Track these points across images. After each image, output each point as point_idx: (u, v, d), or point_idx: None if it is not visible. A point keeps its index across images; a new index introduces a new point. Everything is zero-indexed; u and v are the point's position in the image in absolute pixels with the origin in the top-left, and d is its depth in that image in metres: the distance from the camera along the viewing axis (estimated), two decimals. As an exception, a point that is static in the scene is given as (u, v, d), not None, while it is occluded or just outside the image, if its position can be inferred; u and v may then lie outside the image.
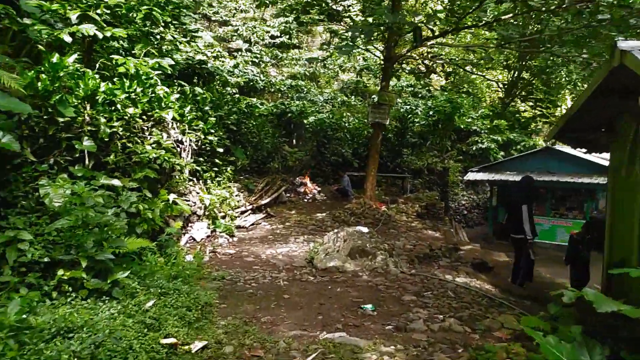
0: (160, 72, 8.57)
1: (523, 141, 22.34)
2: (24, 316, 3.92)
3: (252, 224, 11.41)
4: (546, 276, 10.59)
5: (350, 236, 8.59)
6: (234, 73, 19.44)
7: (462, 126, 20.84)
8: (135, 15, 8.77)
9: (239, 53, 23.54)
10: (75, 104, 6.65)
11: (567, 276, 10.52)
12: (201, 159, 10.61)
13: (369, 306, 6.04)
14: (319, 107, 19.93)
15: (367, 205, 13.23)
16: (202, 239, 9.27)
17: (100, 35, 7.46)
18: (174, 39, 11.51)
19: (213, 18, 26.36)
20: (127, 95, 7.44)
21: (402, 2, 13.90)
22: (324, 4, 13.86)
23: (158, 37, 11.13)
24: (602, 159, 15.06)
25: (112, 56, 8.20)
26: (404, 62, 21.02)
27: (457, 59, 20.83)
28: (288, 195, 14.41)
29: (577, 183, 15.19)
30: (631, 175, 4.61)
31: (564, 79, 23.18)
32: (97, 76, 7.20)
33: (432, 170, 19.28)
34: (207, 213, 9.98)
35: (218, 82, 15.42)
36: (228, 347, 4.51)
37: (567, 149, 18.19)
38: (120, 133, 7.08)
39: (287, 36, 25.47)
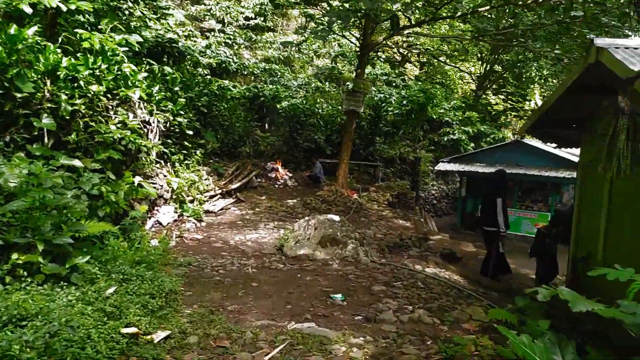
0: (127, 49, 8.17)
1: (493, 134, 22.66)
2: (-28, 303, 3.67)
3: (221, 209, 11.18)
4: (511, 267, 10.79)
5: (321, 224, 8.49)
6: (206, 54, 18.93)
7: (434, 117, 20.95)
8: (101, -13, 8.34)
9: (212, 33, 22.88)
10: (35, 79, 6.27)
11: (531, 267, 10.77)
12: (169, 141, 10.27)
13: (338, 296, 5.97)
14: (292, 92, 19.64)
15: (338, 193, 13.17)
16: (168, 223, 9.00)
17: (64, 8, 7.05)
18: (143, 15, 11.02)
19: (185, -5, 25.53)
20: (91, 71, 7.06)
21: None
22: (301, -14, 13.59)
23: (126, 12, 10.67)
24: (570, 154, 15.43)
25: (77, 30, 7.76)
26: (380, 50, 20.94)
27: (432, 49, 20.85)
28: (259, 180, 14.19)
29: (544, 176, 15.51)
30: (609, 171, 4.64)
31: (534, 74, 23.56)
32: (59, 50, 6.79)
33: (404, 160, 19.34)
34: (174, 197, 9.69)
35: (189, 62, 14.94)
36: (192, 337, 4.35)
37: (535, 142, 18.59)
38: (83, 111, 6.72)
39: (262, 18, 24.91)
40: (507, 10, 15.21)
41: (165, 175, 9.69)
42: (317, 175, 14.93)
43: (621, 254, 5.95)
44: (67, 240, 5.05)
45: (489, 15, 14.46)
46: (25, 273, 4.60)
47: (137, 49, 8.75)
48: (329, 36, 21.72)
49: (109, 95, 7.30)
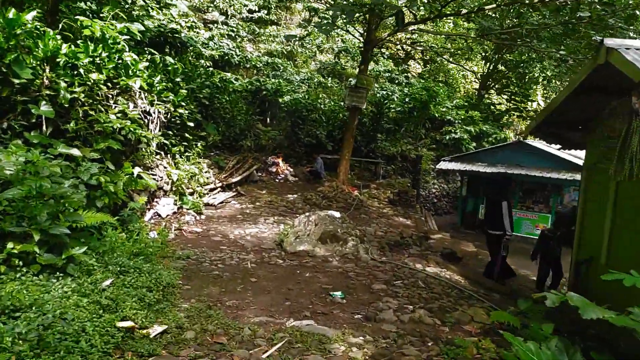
0: (128, 37, 8.05)
1: (495, 133, 22.52)
2: (-36, 292, 3.58)
3: (221, 202, 11.08)
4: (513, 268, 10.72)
5: (321, 220, 8.40)
6: (209, 46, 18.77)
7: (436, 115, 20.82)
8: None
9: (215, 25, 22.73)
10: (33, 65, 6.15)
11: (531, 268, 10.68)
12: (170, 132, 10.15)
13: (338, 293, 5.89)
14: (294, 86, 19.49)
15: (339, 189, 13.07)
16: (167, 215, 8.90)
17: (65, -7, 6.93)
18: (145, 4, 10.88)
19: (189, -14, 25.33)
20: (92, 59, 6.94)
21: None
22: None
23: (129, 0, 10.55)
24: (572, 155, 15.33)
25: (78, 17, 7.63)
26: (384, 46, 20.79)
27: (436, 46, 20.69)
28: (259, 174, 14.08)
29: (545, 178, 15.41)
30: (620, 175, 4.54)
31: (538, 74, 23.41)
32: (58, 37, 6.67)
33: (405, 157, 19.22)
34: (174, 189, 9.59)
35: (191, 53, 14.81)
36: (189, 333, 4.26)
37: (537, 143, 18.48)
38: (82, 99, 6.61)
39: (266, 11, 24.75)
40: (512, 10, 15.10)
41: (165, 167, 9.59)
42: (318, 170, 14.83)
43: (626, 257, 5.87)
44: (63, 230, 4.96)
45: (493, 15, 14.34)
46: (21, 263, 4.50)
47: (138, 38, 8.62)
48: (333, 31, 21.58)
49: (109, 84, 7.18)
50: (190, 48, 14.58)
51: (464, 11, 12.40)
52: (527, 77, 23.71)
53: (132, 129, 7.10)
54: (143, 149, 8.37)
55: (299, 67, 24.00)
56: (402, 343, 4.48)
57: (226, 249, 7.68)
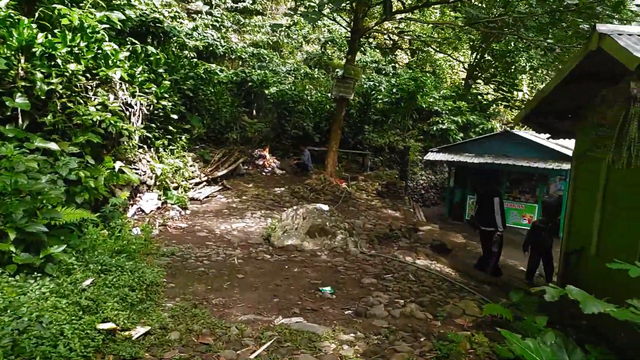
0: (108, 26, 7.76)
1: (482, 124, 22.54)
2: None
3: (207, 197, 10.87)
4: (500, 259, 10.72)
5: (309, 214, 8.26)
6: (193, 36, 18.41)
7: (424, 106, 20.74)
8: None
9: (199, 15, 22.30)
10: (7, 55, 5.87)
11: (519, 259, 10.69)
12: (153, 125, 9.88)
13: (327, 289, 5.77)
14: (281, 77, 19.23)
15: (327, 182, 12.94)
16: (151, 210, 8.68)
17: (40, -20, 6.63)
18: (126, -8, 10.54)
19: (172, -25, 24.79)
20: (70, 49, 6.67)
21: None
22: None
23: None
24: (559, 145, 15.37)
25: (54, 6, 7.32)
26: (371, 36, 20.60)
27: (424, 36, 20.56)
28: (246, 167, 13.88)
29: (533, 168, 15.44)
30: (618, 162, 4.45)
31: (524, 64, 23.44)
32: (34, 26, 6.38)
33: (393, 149, 19.11)
34: (158, 183, 9.36)
35: (175, 44, 14.48)
36: (174, 334, 4.10)
37: (524, 133, 18.51)
38: (60, 91, 6.35)
39: (251, 1, 24.36)
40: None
41: (148, 161, 9.35)
42: (306, 163, 14.66)
43: (616, 247, 5.83)
44: (41, 228, 4.76)
45: (479, 5, 14.25)
46: (-5, 263, 4.30)
47: (119, 27, 8.32)
48: (320, 21, 21.34)
49: (88, 75, 6.92)
50: (174, 38, 14.25)
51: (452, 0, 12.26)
52: (513, 66, 23.74)
53: (112, 121, 6.86)
54: (125, 143, 8.12)
55: (285, 58, 23.70)
56: (394, 339, 4.38)
57: (212, 244, 7.50)
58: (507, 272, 9.03)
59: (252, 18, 24.59)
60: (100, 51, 7.23)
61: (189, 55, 15.02)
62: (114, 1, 10.08)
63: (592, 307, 2.72)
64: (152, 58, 9.98)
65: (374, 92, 18.91)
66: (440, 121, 20.97)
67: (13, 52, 5.94)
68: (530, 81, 27.52)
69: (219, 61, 19.49)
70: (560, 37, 13.91)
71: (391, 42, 22.12)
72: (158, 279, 5.37)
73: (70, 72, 6.50)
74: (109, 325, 3.96)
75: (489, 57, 24.10)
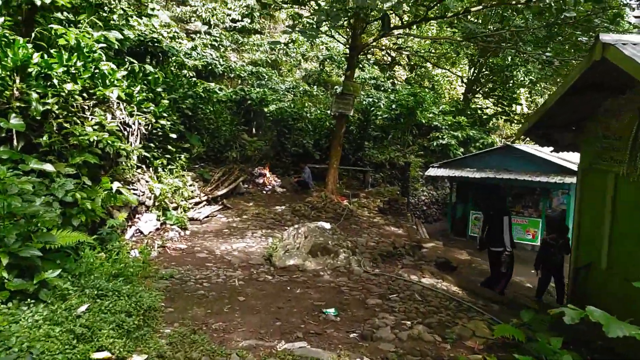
0: (105, 45, 7.71)
1: (482, 138, 22.50)
2: None
3: (207, 216, 10.71)
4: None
5: (311, 232, 8.09)
6: (192, 56, 18.47)
7: (423, 121, 20.73)
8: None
9: (198, 35, 22.44)
10: (2, 75, 5.78)
11: (526, 275, 10.49)
12: (152, 144, 9.77)
13: (331, 310, 5.57)
14: (280, 95, 19.23)
15: (328, 199, 12.79)
16: (150, 232, 8.51)
17: (38, 2, 6.59)
18: (124, 12, 10.54)
19: (171, -3, 25.02)
20: (66, 69, 6.59)
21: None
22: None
23: (107, 9, 10.21)
24: (560, 158, 15.25)
25: (51, 26, 7.28)
26: (369, 52, 20.67)
27: (422, 51, 20.65)
28: (246, 186, 13.74)
29: (535, 182, 15.30)
30: (633, 174, 4.31)
31: (522, 78, 23.51)
32: (29, 45, 6.31)
33: (393, 165, 19.02)
34: (157, 204, 9.20)
35: (174, 63, 14.48)
36: (172, 362, 3.91)
37: (525, 147, 18.42)
38: (56, 111, 6.25)
39: (249, 20, 24.52)
40: (495, 14, 15.09)
41: (147, 181, 9.21)
42: (306, 180, 14.53)
43: (628, 262, 5.68)
44: (34, 252, 4.60)
45: (474, 20, 14.29)
46: (-13, 290, 4.13)
47: (117, 47, 8.28)
48: (318, 38, 21.44)
49: (85, 95, 6.83)
50: (173, 58, 14.26)
51: (450, 14, 12.27)
52: (511, 80, 23.80)
53: (110, 141, 6.75)
54: (123, 163, 8.00)
55: (284, 75, 23.78)
56: (402, 364, 4.19)
57: (212, 265, 7.31)
58: (513, 289, 8.82)
59: (250, 37, 24.74)
60: (97, 71, 7.16)
61: (187, 75, 15.00)
62: (112, 22, 10.08)
63: (616, 330, 2.56)
64: (150, 77, 9.92)
65: (373, 108, 18.89)
66: (440, 136, 20.93)
67: (8, 73, 5.85)
68: (529, 95, 27.57)
69: (218, 80, 19.52)
70: (558, 50, 13.92)
71: (389, 58, 22.20)
72: (156, 303, 5.18)
73: (66, 92, 6.42)
74: (104, 355, 3.78)
75: (487, 72, 24.20)
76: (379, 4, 9.56)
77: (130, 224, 8.27)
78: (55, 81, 6.37)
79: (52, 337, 3.80)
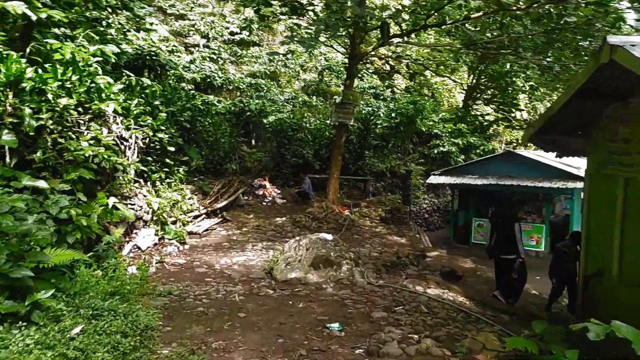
0: (101, 59, 7.61)
1: (483, 145, 22.40)
2: None
3: (206, 230, 10.55)
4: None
5: (313, 244, 7.92)
6: (190, 69, 18.45)
7: (423, 129, 20.64)
8: (74, -4, 7.81)
9: (196, 49, 22.48)
10: (-6, 91, 5.67)
11: (530, 282, 10.26)
12: (150, 158, 9.63)
13: (335, 325, 5.40)
14: (279, 106, 19.16)
15: (329, 210, 12.64)
16: (148, 247, 8.34)
17: (33, 17, 6.49)
18: (121, 26, 10.47)
19: (169, 11, 25.08)
20: (61, 83, 6.48)
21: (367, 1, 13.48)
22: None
23: (104, 23, 10.15)
24: (562, 163, 15.11)
25: (46, 40, 7.18)
26: (368, 61, 20.65)
27: (421, 59, 20.61)
28: (246, 198, 13.59)
29: (538, 187, 15.14)
30: None
31: (522, 84, 23.46)
32: (23, 60, 6.21)
33: (394, 173, 18.89)
34: (155, 218, 9.04)
35: (172, 76, 14.42)
36: (169, 385, 3.74)
37: (526, 153, 18.28)
38: (51, 127, 6.13)
39: (247, 33, 24.57)
40: (494, 22, 15.03)
41: (145, 195, 9.06)
42: (307, 191, 14.38)
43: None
44: (26, 273, 4.43)
45: (472, 28, 14.21)
46: (-24, 314, 3.97)
47: (114, 61, 8.18)
48: (316, 49, 21.45)
49: (80, 109, 6.71)
50: (171, 71, 14.21)
51: (450, 21, 12.20)
52: (511, 87, 23.75)
53: (106, 156, 6.61)
54: (120, 177, 7.86)
55: (283, 86, 23.75)
56: (411, 382, 4.01)
57: (212, 281, 7.14)
58: (521, 298, 8.62)
59: (248, 49, 24.78)
60: (93, 85, 7.05)
61: (186, 87, 14.93)
62: (109, 36, 10.00)
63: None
64: (147, 90, 9.82)
65: (373, 117, 18.81)
66: (440, 144, 20.82)
67: (1, 88, 5.74)
68: (529, 101, 27.49)
69: (217, 92, 19.49)
70: (559, 56, 13.82)
71: (389, 67, 22.18)
72: (153, 322, 5.01)
73: (61, 106, 6.30)
74: (98, 379, 3.61)
75: (486, 79, 24.16)
76: (378, 13, 9.51)
77: (127, 239, 8.11)
78: (50, 96, 6.25)
79: (44, 362, 3.63)
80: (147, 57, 11.98)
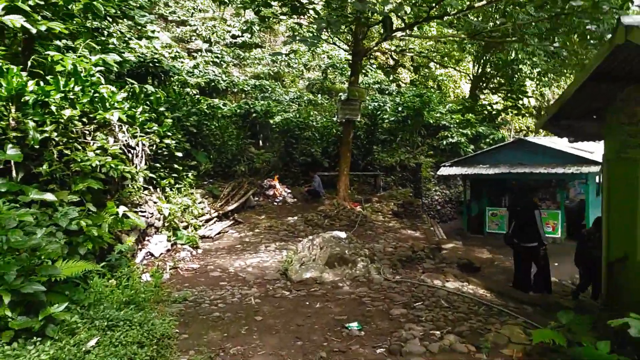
0: (103, 68, 7.56)
1: (492, 134, 22.15)
2: None
3: (218, 233, 10.49)
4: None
5: (326, 242, 7.81)
6: (194, 74, 18.43)
7: (431, 121, 20.47)
8: (73, 7, 7.74)
9: (199, 53, 22.47)
10: (-4, 105, 5.62)
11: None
12: (158, 164, 9.60)
13: (354, 324, 5.28)
14: (285, 106, 19.10)
15: (341, 206, 12.52)
16: (161, 253, 8.29)
17: (33, 30, 6.44)
18: (121, 34, 10.43)
19: (170, 18, 25.13)
20: (64, 95, 6.42)
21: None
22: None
23: (105, 32, 10.12)
24: (574, 148, 14.86)
25: (47, 53, 7.13)
26: (372, 57, 20.50)
27: (425, 52, 20.41)
28: (256, 199, 13.52)
29: (552, 174, 14.89)
30: None
31: (529, 71, 23.16)
32: (24, 74, 6.16)
33: (404, 167, 18.73)
34: (166, 224, 9.00)
35: (176, 82, 14.39)
36: (188, 396, 3.65)
37: (537, 139, 18.00)
38: (56, 139, 6.07)
39: (249, 35, 24.52)
40: (497, 10, 14.80)
41: (155, 202, 9.02)
42: (317, 189, 14.29)
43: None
44: (38, 287, 4.36)
45: (474, 19, 13.98)
46: (-10, 331, 3.90)
47: (115, 69, 8.12)
48: (319, 47, 21.30)
49: (85, 120, 6.65)
50: (175, 77, 14.17)
51: (453, 12, 12.00)
52: (517, 74, 23.43)
53: (113, 165, 6.54)
54: (129, 186, 7.81)
55: (287, 86, 23.68)
56: (436, 380, 3.88)
57: (226, 284, 7.06)
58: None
59: (251, 51, 24.74)
60: (96, 94, 6.99)
61: (190, 92, 14.88)
62: (110, 45, 9.96)
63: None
64: (152, 97, 9.76)
65: (379, 112, 18.67)
66: (449, 135, 20.62)
67: (3, 102, 5.69)
68: (535, 88, 27.12)
69: (222, 96, 19.46)
70: (565, 41, 13.56)
71: (393, 61, 21.99)
72: (170, 330, 4.93)
73: (65, 117, 6.24)
74: (115, 393, 3.53)
75: (492, 68, 23.88)
76: (379, 7, 9.36)
77: (140, 247, 8.07)
78: (53, 108, 6.19)
79: (60, 378, 3.56)
80: (150, 65, 11.94)
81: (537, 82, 24.90)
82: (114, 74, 9.52)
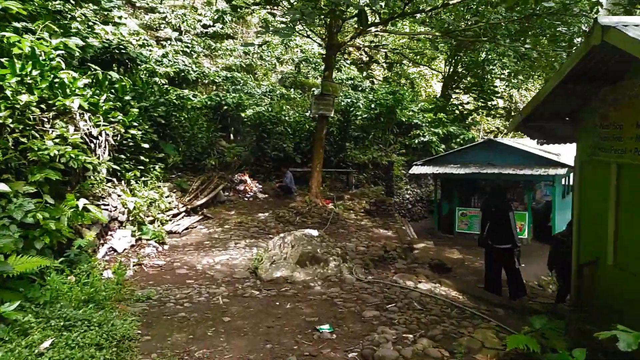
0: (64, 52, 7.13)
1: (462, 134, 22.39)
2: None
3: (186, 228, 10.14)
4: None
5: (298, 241, 7.62)
6: (163, 63, 17.84)
7: (403, 119, 20.52)
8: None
9: (168, 42, 21.78)
10: (-54, 88, 5.18)
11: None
12: (123, 156, 9.16)
13: (325, 327, 5.12)
14: (257, 99, 18.73)
15: (312, 204, 12.35)
16: (124, 249, 7.92)
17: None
18: (86, 19, 9.91)
19: (138, 4, 24.24)
20: (20, 79, 6.00)
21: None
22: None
23: (68, 15, 9.60)
24: (543, 150, 15.14)
25: (3, 34, 6.66)
26: (346, 52, 20.35)
27: (399, 49, 20.43)
28: (227, 194, 13.19)
29: (520, 175, 15.11)
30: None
31: (499, 72, 23.52)
32: (-24, 55, 5.72)
33: (376, 165, 18.69)
34: (131, 218, 8.61)
35: (143, 71, 13.86)
36: (150, 404, 3.41)
37: (507, 140, 18.27)
38: (11, 125, 5.66)
39: (221, 25, 23.95)
40: (470, 10, 14.89)
41: (119, 195, 8.60)
42: (288, 185, 14.06)
43: (635, 256, 5.39)
44: (-15, 285, 4.04)
45: (446, 18, 14.02)
46: None
47: (78, 54, 7.68)
48: (292, 40, 21.01)
49: (43, 106, 6.24)
50: (142, 65, 13.64)
51: (427, 8, 11.96)
52: (487, 75, 23.75)
53: (73, 155, 6.17)
54: (91, 177, 7.41)
55: (260, 80, 23.26)
56: (410, 386, 3.76)
57: (193, 282, 6.79)
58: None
59: (223, 42, 24.18)
60: (56, 80, 6.57)
61: (159, 82, 14.36)
62: (73, 29, 9.44)
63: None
64: (117, 85, 9.31)
65: (352, 108, 18.56)
66: (421, 134, 20.71)
67: (-48, 85, 5.26)
68: (504, 89, 27.59)
69: (192, 87, 18.92)
70: (535, 42, 13.75)
71: (367, 57, 21.91)
72: (131, 331, 4.66)
73: (22, 103, 5.83)
74: (69, 402, 3.26)
75: (463, 68, 24.13)
76: (354, 0, 9.20)
77: (102, 242, 7.68)
78: (9, 92, 5.77)
79: (8, 385, 3.27)
80: (116, 51, 11.41)
81: (507, 84, 25.34)
82: (76, 60, 9.02)
